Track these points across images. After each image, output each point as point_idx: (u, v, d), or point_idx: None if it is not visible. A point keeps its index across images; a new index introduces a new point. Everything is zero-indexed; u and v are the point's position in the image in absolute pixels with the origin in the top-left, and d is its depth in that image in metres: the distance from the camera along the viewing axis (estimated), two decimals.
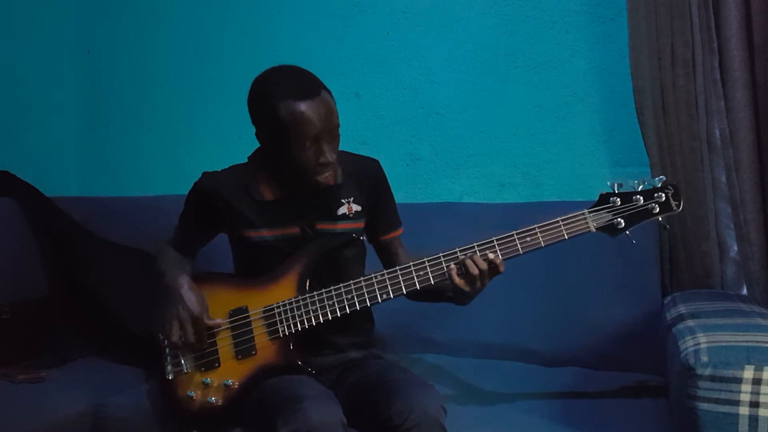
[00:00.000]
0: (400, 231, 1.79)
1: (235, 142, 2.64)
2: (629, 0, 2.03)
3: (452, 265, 1.55)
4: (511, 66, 2.35)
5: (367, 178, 1.73)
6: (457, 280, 1.54)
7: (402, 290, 1.57)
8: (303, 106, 1.51)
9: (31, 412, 1.79)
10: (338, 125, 1.58)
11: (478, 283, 1.54)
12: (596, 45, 2.24)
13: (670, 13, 1.97)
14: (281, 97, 1.52)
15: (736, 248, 1.97)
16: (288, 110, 1.51)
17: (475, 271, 1.52)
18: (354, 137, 2.53)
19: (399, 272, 1.58)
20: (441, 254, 1.57)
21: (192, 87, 2.82)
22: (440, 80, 2.44)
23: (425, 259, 1.58)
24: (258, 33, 2.67)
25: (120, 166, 2.97)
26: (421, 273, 1.57)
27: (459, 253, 1.56)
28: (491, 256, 1.53)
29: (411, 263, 1.58)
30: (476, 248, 1.55)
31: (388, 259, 1.77)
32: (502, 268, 1.54)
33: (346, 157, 1.72)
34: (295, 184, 1.63)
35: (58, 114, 2.97)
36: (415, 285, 1.57)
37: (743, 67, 1.91)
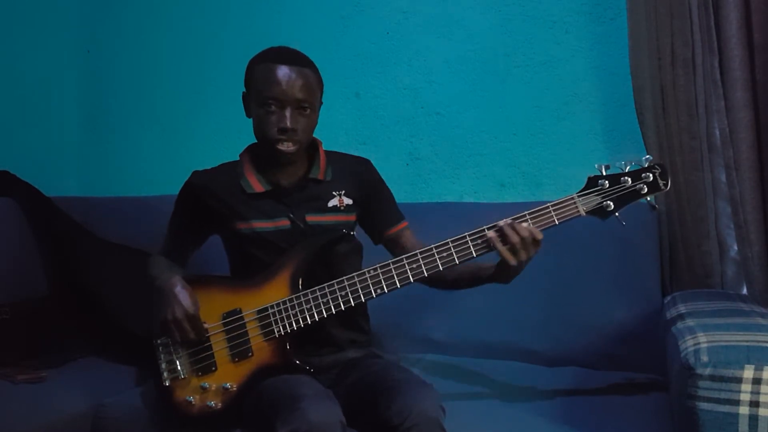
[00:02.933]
0: (403, 224, 1.79)
1: (235, 142, 2.61)
2: (629, 0, 2.02)
3: (491, 233, 1.52)
4: (511, 66, 2.35)
5: (359, 175, 1.75)
6: (504, 251, 1.50)
7: (396, 284, 1.56)
8: (276, 68, 1.61)
9: (31, 412, 1.79)
10: (313, 105, 1.63)
11: (523, 254, 1.51)
12: (596, 45, 2.24)
13: (670, 13, 1.97)
14: (263, 60, 1.64)
15: (736, 248, 1.96)
16: (263, 69, 1.62)
17: (515, 238, 1.50)
18: (354, 137, 2.54)
19: (392, 266, 1.57)
20: (433, 246, 1.57)
21: (192, 87, 2.82)
22: (440, 80, 2.44)
23: (417, 251, 1.57)
24: (258, 33, 2.67)
25: (120, 166, 2.97)
26: (414, 266, 1.56)
27: (451, 244, 1.55)
28: (525, 224, 1.51)
29: (403, 257, 1.57)
30: (468, 238, 1.55)
31: (400, 254, 1.74)
32: (539, 236, 1.51)
33: (337, 157, 1.76)
34: (264, 152, 1.67)
35: (58, 114, 2.97)
36: (409, 279, 1.56)
37: (743, 67, 1.91)
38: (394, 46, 2.50)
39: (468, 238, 1.55)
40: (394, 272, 1.57)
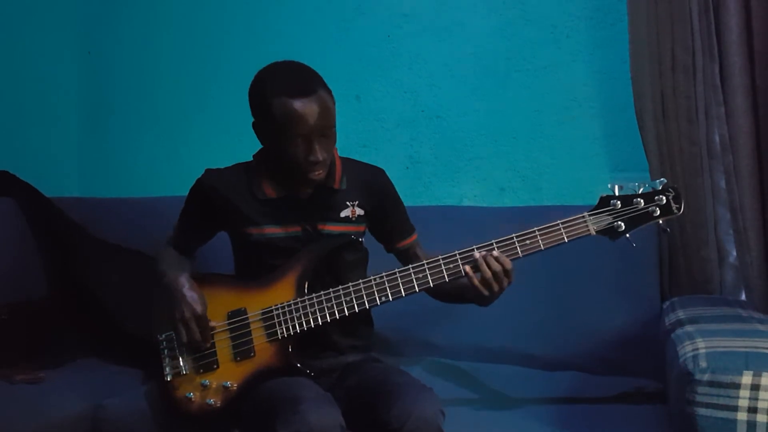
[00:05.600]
0: (413, 237, 1.79)
1: (235, 144, 2.61)
2: (630, 5, 2.03)
3: (467, 267, 1.54)
4: (512, 70, 2.35)
5: (373, 186, 1.74)
6: (476, 282, 1.54)
7: (401, 293, 1.57)
8: (296, 104, 1.52)
9: (29, 413, 1.78)
10: (333, 125, 1.59)
11: (495, 286, 1.54)
12: (597, 50, 2.25)
13: (670, 19, 1.98)
14: (276, 93, 1.54)
15: (735, 254, 1.97)
16: (281, 107, 1.53)
17: (488, 274, 1.53)
18: (354, 140, 2.53)
19: (398, 275, 1.58)
20: (440, 257, 1.57)
21: (193, 88, 2.82)
22: (441, 84, 2.45)
23: (424, 262, 1.58)
24: (259, 35, 2.67)
25: (120, 167, 2.96)
26: (420, 276, 1.57)
27: (458, 256, 1.56)
28: (495, 254, 1.53)
29: (410, 266, 1.58)
30: (475, 250, 1.56)
31: (408, 264, 1.73)
32: (508, 266, 1.53)
33: (352, 165, 1.75)
34: (289, 180, 1.65)
35: (59, 114, 2.96)
36: (414, 288, 1.57)
37: (743, 73, 1.91)
38: (395, 49, 2.50)
39: (475, 250, 1.56)
40: (399, 281, 1.57)
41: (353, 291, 1.58)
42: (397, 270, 1.58)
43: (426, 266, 1.57)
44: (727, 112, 1.94)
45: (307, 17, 2.61)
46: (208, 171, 1.74)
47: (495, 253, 1.54)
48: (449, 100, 2.44)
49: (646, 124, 2.03)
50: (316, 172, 1.60)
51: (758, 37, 1.90)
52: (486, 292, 1.55)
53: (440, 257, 1.57)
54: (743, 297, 1.96)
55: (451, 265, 1.56)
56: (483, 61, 2.39)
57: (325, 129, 1.57)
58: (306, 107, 1.53)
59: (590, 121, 2.26)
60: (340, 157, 1.73)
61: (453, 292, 1.68)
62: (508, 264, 1.54)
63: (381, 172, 1.78)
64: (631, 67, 2.05)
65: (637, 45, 2.03)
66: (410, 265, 1.58)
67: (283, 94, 1.54)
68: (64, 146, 2.99)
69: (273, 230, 1.66)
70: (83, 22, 2.98)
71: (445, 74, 2.44)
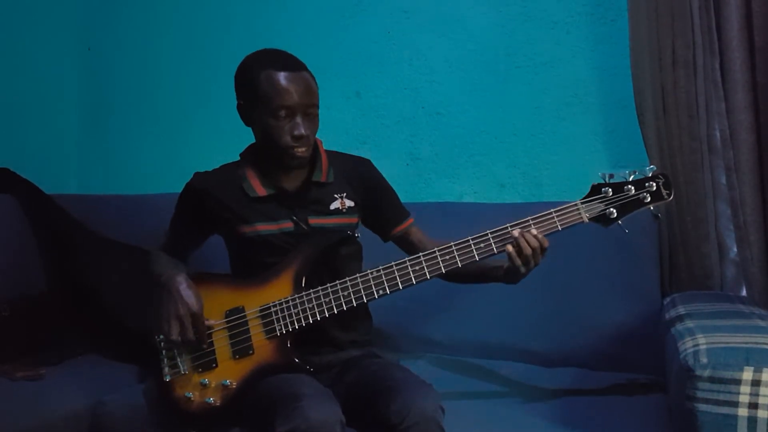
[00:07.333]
0: (410, 221, 1.80)
1: (234, 141, 2.61)
2: (630, 1, 2.03)
3: (510, 247, 1.54)
4: (512, 66, 2.35)
5: (360, 177, 1.75)
6: (517, 261, 1.54)
7: (398, 285, 1.57)
8: (281, 76, 1.59)
9: (29, 410, 1.79)
10: (317, 106, 1.63)
11: (532, 262, 1.55)
12: (597, 46, 2.24)
13: (671, 15, 1.97)
14: (263, 67, 1.61)
15: (735, 249, 1.96)
16: (267, 78, 1.59)
17: (528, 251, 1.53)
18: (354, 137, 2.54)
19: (395, 267, 1.57)
20: (436, 249, 1.57)
21: (193, 85, 2.82)
22: (441, 80, 2.44)
23: (420, 254, 1.58)
24: (259, 31, 2.67)
25: (120, 164, 2.97)
26: (417, 268, 1.57)
27: (454, 247, 1.56)
28: (534, 231, 1.54)
29: (406, 259, 1.58)
30: (471, 242, 1.56)
31: (410, 250, 1.76)
32: (546, 244, 1.55)
33: (338, 157, 1.76)
34: (276, 164, 1.66)
35: (59, 111, 2.97)
36: (412, 280, 1.57)
37: (744, 69, 1.91)
38: (395, 45, 2.50)
39: (471, 242, 1.56)
40: (396, 274, 1.57)
41: (351, 285, 1.58)
42: (393, 263, 1.58)
43: (422, 258, 1.57)
44: (727, 107, 1.94)
45: (307, 13, 2.61)
46: (197, 174, 1.75)
47: (533, 231, 1.54)
48: (449, 96, 2.43)
49: (647, 120, 2.03)
50: (300, 149, 1.62)
51: (759, 33, 1.89)
52: (524, 270, 1.55)
53: (436, 249, 1.57)
54: (744, 293, 1.96)
55: (447, 257, 1.56)
56: (483, 58, 2.38)
57: (309, 108, 1.61)
58: (291, 80, 1.59)
59: (590, 117, 2.26)
60: (326, 151, 1.74)
61: (471, 274, 1.68)
62: (546, 242, 1.54)
63: (367, 162, 1.79)
64: (631, 62, 2.05)
65: (638, 41, 2.03)
66: (406, 258, 1.58)
67: (269, 68, 1.60)
68: (64, 143, 2.99)
69: (265, 227, 1.67)
70: (83, 18, 2.99)
71: (445, 70, 2.44)
